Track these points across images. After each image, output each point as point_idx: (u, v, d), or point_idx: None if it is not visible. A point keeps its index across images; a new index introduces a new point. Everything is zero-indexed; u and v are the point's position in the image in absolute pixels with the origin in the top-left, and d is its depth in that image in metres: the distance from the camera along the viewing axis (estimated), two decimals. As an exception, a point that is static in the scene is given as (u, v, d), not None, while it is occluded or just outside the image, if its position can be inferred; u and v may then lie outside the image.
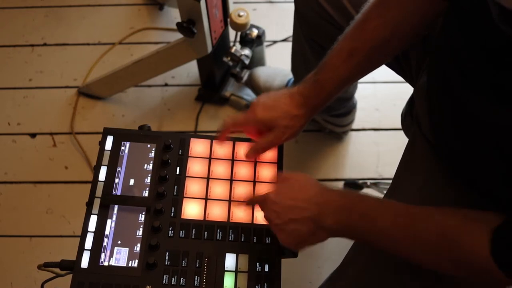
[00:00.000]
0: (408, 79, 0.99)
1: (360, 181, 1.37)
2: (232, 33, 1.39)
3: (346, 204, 0.72)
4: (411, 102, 0.94)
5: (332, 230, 0.72)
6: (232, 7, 1.31)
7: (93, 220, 0.80)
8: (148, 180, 0.84)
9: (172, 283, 0.76)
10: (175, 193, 0.83)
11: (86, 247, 0.78)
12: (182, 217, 0.81)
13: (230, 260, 0.78)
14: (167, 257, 0.78)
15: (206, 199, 0.83)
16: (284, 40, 1.62)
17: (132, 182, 0.83)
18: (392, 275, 0.76)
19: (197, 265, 0.77)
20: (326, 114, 1.36)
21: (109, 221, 0.80)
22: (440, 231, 0.65)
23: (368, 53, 0.80)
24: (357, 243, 0.83)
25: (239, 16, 1.27)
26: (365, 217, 0.70)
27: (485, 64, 0.60)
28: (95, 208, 0.81)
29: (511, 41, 0.53)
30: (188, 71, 1.57)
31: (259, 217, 0.82)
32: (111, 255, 0.78)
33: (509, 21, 0.50)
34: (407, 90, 0.98)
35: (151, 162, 0.85)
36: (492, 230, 0.60)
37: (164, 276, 0.77)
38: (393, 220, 0.69)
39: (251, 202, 0.81)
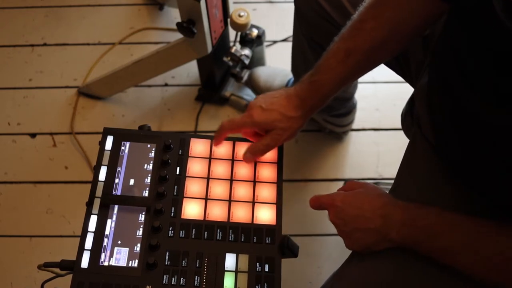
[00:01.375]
0: (408, 79, 0.99)
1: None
2: (232, 33, 1.39)
3: (408, 219, 0.73)
4: (411, 102, 0.94)
5: (396, 242, 0.74)
6: (232, 7, 1.31)
7: (93, 220, 0.80)
8: (148, 180, 0.84)
9: (172, 283, 0.76)
10: (175, 193, 0.83)
11: (86, 247, 0.78)
12: (182, 217, 0.81)
13: (230, 260, 0.78)
14: (167, 257, 0.78)
15: (206, 199, 0.83)
16: (284, 40, 1.62)
17: (132, 182, 0.83)
18: (398, 274, 0.76)
19: (197, 265, 0.77)
20: (326, 114, 1.36)
21: (109, 221, 0.80)
22: (503, 251, 0.66)
23: (365, 54, 0.80)
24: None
25: (240, 16, 1.27)
26: (426, 232, 0.71)
27: (487, 65, 0.60)
28: (95, 208, 0.81)
29: None
30: (188, 71, 1.57)
31: (259, 217, 0.82)
32: (111, 255, 0.78)
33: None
34: (407, 90, 0.98)
35: (151, 162, 0.85)
36: None
37: (164, 276, 0.77)
38: (453, 237, 0.70)
39: (319, 202, 0.82)
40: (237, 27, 1.29)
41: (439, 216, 0.72)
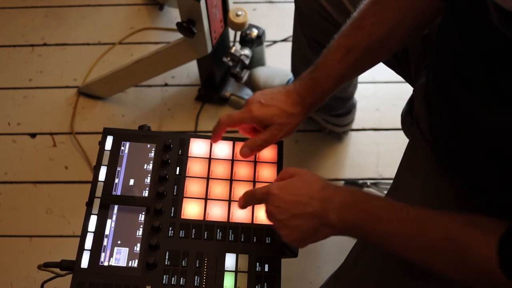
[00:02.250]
0: (408, 79, 0.99)
1: (360, 181, 1.37)
2: (232, 33, 1.39)
3: (351, 201, 0.70)
4: (411, 102, 0.94)
5: (336, 227, 0.71)
6: (232, 7, 1.31)
7: (93, 220, 0.80)
8: (148, 180, 0.84)
9: (172, 283, 0.76)
10: (175, 193, 0.83)
11: (86, 247, 0.78)
12: (182, 217, 0.81)
13: (230, 260, 0.78)
14: (167, 257, 0.78)
15: (206, 199, 0.83)
16: (284, 40, 1.62)
17: (132, 182, 0.83)
18: (397, 273, 0.76)
19: (197, 265, 0.77)
20: (326, 114, 1.36)
21: (109, 221, 0.80)
22: (447, 235, 0.64)
23: (365, 51, 0.80)
24: (365, 242, 0.83)
25: (237, 15, 1.27)
26: (369, 215, 0.69)
27: (483, 65, 0.60)
28: (95, 208, 0.81)
29: (509, 42, 0.53)
30: (188, 71, 1.57)
31: (259, 217, 0.82)
32: (111, 255, 0.78)
33: (508, 22, 0.50)
34: (407, 90, 0.98)
35: (151, 162, 0.85)
36: (498, 238, 0.59)
37: (164, 276, 0.77)
38: (398, 221, 0.68)
39: (252, 196, 0.78)
40: (235, 26, 1.28)
41: (383, 200, 0.70)
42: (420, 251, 0.66)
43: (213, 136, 0.86)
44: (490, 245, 0.59)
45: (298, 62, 1.23)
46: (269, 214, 0.75)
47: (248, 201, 0.78)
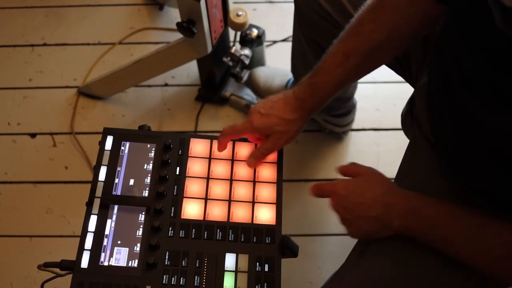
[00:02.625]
0: (409, 79, 0.99)
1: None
2: (232, 33, 1.39)
3: (413, 209, 0.73)
4: (411, 102, 0.94)
5: (397, 230, 0.74)
6: (232, 7, 1.31)
7: (93, 220, 0.80)
8: (148, 180, 0.84)
9: (172, 283, 0.76)
10: (175, 193, 0.83)
11: (86, 247, 0.78)
12: (182, 217, 0.81)
13: (230, 260, 0.78)
14: (167, 257, 0.78)
15: (206, 199, 0.83)
16: (284, 40, 1.62)
17: (132, 182, 0.83)
18: (398, 274, 0.76)
19: (197, 265, 0.77)
20: (326, 114, 1.36)
21: (109, 221, 0.80)
22: (504, 240, 0.66)
23: (364, 56, 0.80)
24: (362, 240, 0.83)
25: (238, 15, 1.27)
26: (429, 222, 0.72)
27: (484, 66, 0.60)
28: (95, 208, 0.81)
29: (510, 43, 0.53)
30: (188, 71, 1.57)
31: (259, 217, 0.82)
32: (111, 255, 0.78)
33: (510, 21, 0.50)
34: (407, 90, 0.98)
35: (151, 162, 0.85)
36: None
37: (164, 276, 0.77)
38: (455, 228, 0.70)
39: (321, 189, 0.82)
40: (235, 26, 1.28)
41: (442, 206, 0.72)
42: (479, 257, 0.69)
43: (218, 147, 0.87)
44: None
45: (298, 63, 1.23)
46: (335, 211, 0.80)
47: (317, 193, 0.83)
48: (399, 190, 0.76)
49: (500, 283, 0.73)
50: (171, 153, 0.86)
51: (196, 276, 0.77)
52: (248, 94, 1.49)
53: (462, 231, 0.70)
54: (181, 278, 0.76)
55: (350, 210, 0.77)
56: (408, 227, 0.73)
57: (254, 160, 0.86)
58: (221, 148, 0.87)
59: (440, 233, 0.71)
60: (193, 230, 0.80)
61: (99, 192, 0.82)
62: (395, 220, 0.74)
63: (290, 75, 1.43)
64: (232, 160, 0.87)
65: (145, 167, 0.85)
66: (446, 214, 0.71)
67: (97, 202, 0.81)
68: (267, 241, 0.80)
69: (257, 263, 0.78)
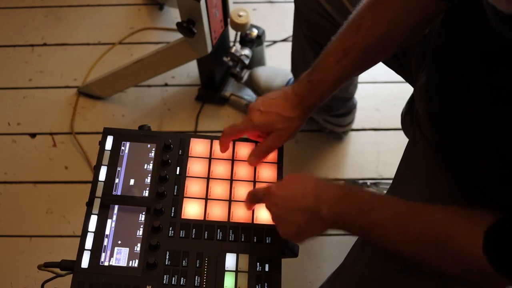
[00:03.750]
0: (408, 78, 0.99)
1: (360, 181, 1.37)
2: (232, 33, 1.39)
3: (342, 195, 0.73)
4: (411, 102, 0.94)
5: (328, 220, 0.73)
6: (232, 7, 1.31)
7: (93, 220, 0.80)
8: (148, 180, 0.84)
9: (173, 283, 0.76)
10: (175, 193, 0.83)
11: (86, 247, 0.78)
12: (182, 217, 0.81)
13: (230, 260, 0.78)
14: (167, 257, 0.78)
15: (206, 199, 0.83)
16: (284, 40, 1.62)
17: (132, 182, 0.83)
18: (397, 273, 0.76)
19: (197, 265, 0.77)
20: (326, 114, 1.36)
21: (109, 221, 0.80)
22: (435, 227, 0.66)
23: (363, 52, 0.80)
24: (361, 239, 0.83)
25: (239, 16, 1.27)
26: (359, 208, 0.71)
27: (482, 65, 0.60)
28: (95, 208, 0.81)
29: (507, 42, 0.53)
30: (188, 71, 1.57)
31: (260, 217, 0.82)
32: (111, 255, 0.78)
33: (503, 22, 0.50)
34: (407, 90, 0.98)
35: (151, 162, 0.85)
36: (486, 228, 0.60)
37: (164, 276, 0.77)
38: (387, 213, 0.70)
39: (254, 195, 0.81)
40: (237, 27, 1.29)
41: (374, 195, 0.72)
42: (406, 241, 0.68)
43: (220, 148, 0.87)
44: (476, 235, 0.61)
45: (298, 62, 1.23)
46: (268, 211, 0.78)
47: (251, 199, 0.81)
48: (331, 183, 0.76)
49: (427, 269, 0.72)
50: (171, 153, 0.86)
51: (196, 276, 0.77)
52: (248, 94, 1.49)
53: (390, 215, 0.69)
54: (182, 278, 0.76)
55: (281, 205, 0.75)
56: (338, 214, 0.72)
57: (255, 158, 0.86)
58: (224, 148, 0.87)
59: (369, 219, 0.70)
60: (194, 230, 0.80)
61: (99, 192, 0.82)
62: (324, 207, 0.72)
63: (290, 75, 1.43)
64: (232, 160, 0.87)
65: (145, 167, 0.85)
66: (376, 200, 0.71)
67: (97, 202, 0.81)
68: (267, 241, 0.80)
69: (258, 263, 0.78)
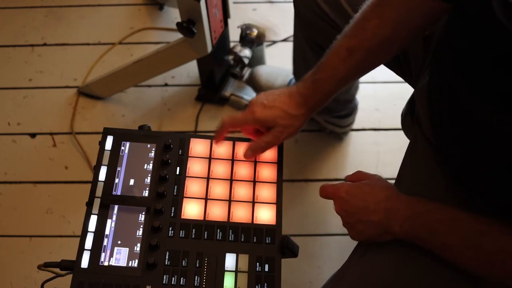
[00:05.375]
0: (408, 79, 0.99)
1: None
2: (232, 33, 1.39)
3: (411, 215, 0.73)
4: (411, 102, 0.94)
5: (398, 236, 0.75)
6: (232, 7, 1.31)
7: (93, 220, 0.80)
8: (148, 180, 0.84)
9: (172, 283, 0.76)
10: (175, 193, 0.83)
11: (86, 247, 0.78)
12: (182, 217, 0.81)
13: (230, 260, 0.78)
14: (167, 257, 0.78)
15: (206, 199, 0.83)
16: (284, 40, 1.62)
17: (132, 182, 0.83)
18: (399, 274, 0.76)
19: (197, 265, 0.77)
20: (327, 115, 1.36)
21: (109, 221, 0.80)
22: (502, 247, 0.66)
23: (367, 52, 0.80)
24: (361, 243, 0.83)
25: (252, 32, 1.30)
26: (428, 229, 0.72)
27: (486, 66, 0.60)
28: (95, 208, 0.81)
29: (510, 42, 0.53)
30: (188, 71, 1.57)
31: (259, 217, 0.82)
32: (111, 255, 0.78)
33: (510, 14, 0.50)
34: (407, 90, 0.98)
35: (151, 162, 0.85)
36: None
37: (164, 276, 0.77)
38: (454, 234, 0.70)
39: (325, 191, 0.82)
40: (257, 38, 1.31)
41: (441, 212, 0.72)
42: (478, 263, 0.69)
43: (215, 137, 0.86)
44: None
45: (299, 64, 1.23)
46: (338, 214, 0.80)
47: (322, 194, 0.83)
48: (401, 196, 0.76)
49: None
50: (171, 153, 0.86)
51: (196, 276, 0.77)
52: (248, 94, 1.49)
53: (460, 238, 0.70)
54: (181, 278, 0.76)
55: (352, 214, 0.77)
56: (408, 233, 0.74)
57: (252, 153, 0.84)
58: (218, 139, 0.85)
59: (438, 240, 0.71)
60: (193, 230, 0.80)
61: (99, 192, 0.82)
62: (395, 226, 0.74)
63: (291, 75, 1.43)
64: (232, 160, 0.87)
65: (145, 167, 0.85)
66: (445, 221, 0.71)
67: (97, 202, 0.81)
68: (267, 241, 0.80)
69: (257, 263, 0.78)
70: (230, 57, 1.35)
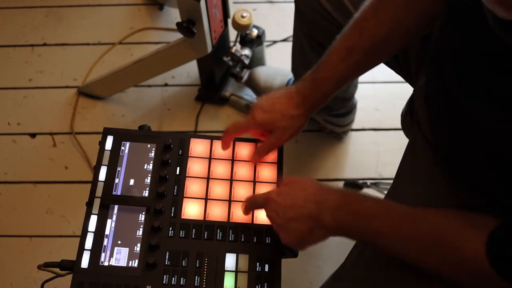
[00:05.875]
0: (408, 79, 0.99)
1: (360, 181, 1.37)
2: (232, 33, 1.39)
3: (344, 202, 0.72)
4: (411, 102, 0.94)
5: (330, 228, 0.73)
6: (232, 7, 1.31)
7: (93, 220, 0.80)
8: (148, 180, 0.84)
9: (172, 283, 0.76)
10: (175, 193, 0.83)
11: (86, 247, 0.78)
12: (182, 217, 0.81)
13: (230, 260, 0.78)
14: (167, 257, 0.78)
15: (206, 199, 0.83)
16: (284, 40, 1.62)
17: (132, 182, 0.83)
18: (398, 274, 0.76)
19: (197, 265, 0.77)
20: (326, 114, 1.36)
21: (109, 221, 0.80)
22: (436, 232, 0.65)
23: (367, 51, 0.80)
24: (360, 242, 0.83)
25: (242, 17, 1.27)
26: (361, 215, 0.71)
27: (482, 68, 0.61)
28: (95, 208, 0.81)
29: (507, 47, 0.53)
30: (188, 71, 1.57)
31: (259, 217, 0.82)
32: (111, 255, 0.78)
33: (503, 27, 0.50)
34: (407, 90, 0.98)
35: (151, 162, 0.85)
36: (488, 233, 0.60)
37: (164, 276, 0.77)
38: (388, 219, 0.69)
39: (253, 201, 0.80)
40: (240, 27, 1.28)
41: (375, 201, 0.72)
42: (409, 248, 0.68)
43: (222, 145, 0.87)
44: (478, 240, 0.60)
45: (298, 62, 1.23)
46: (269, 218, 0.78)
47: (249, 206, 0.81)
48: (331, 189, 0.75)
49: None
50: (171, 153, 0.86)
51: (196, 276, 0.77)
52: (248, 94, 1.49)
53: (392, 223, 0.69)
54: (181, 278, 0.76)
55: (282, 214, 0.75)
56: (339, 221, 0.72)
57: (257, 156, 0.86)
58: (225, 146, 0.87)
59: (372, 227, 0.70)
60: (193, 230, 0.80)
61: (99, 192, 0.82)
62: (326, 215, 0.72)
63: (290, 75, 1.43)
64: (232, 160, 0.87)
65: (145, 167, 0.85)
66: (379, 207, 0.71)
67: (97, 202, 0.81)
68: (267, 241, 0.80)
69: (257, 263, 0.78)
70: (228, 59, 1.35)
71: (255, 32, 1.36)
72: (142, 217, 0.81)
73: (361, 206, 0.71)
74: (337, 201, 0.72)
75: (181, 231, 0.80)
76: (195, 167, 0.86)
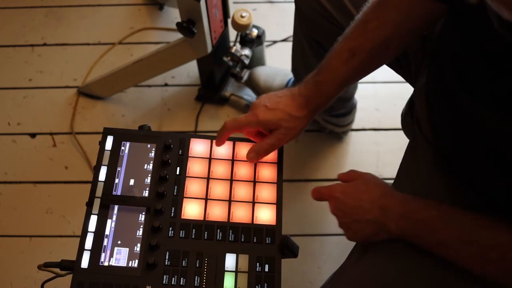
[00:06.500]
0: (408, 79, 0.99)
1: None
2: (232, 33, 1.39)
3: (408, 212, 0.73)
4: (411, 102, 0.94)
5: (394, 234, 0.75)
6: (232, 7, 1.31)
7: (93, 220, 0.80)
8: (148, 180, 0.84)
9: (172, 283, 0.76)
10: (175, 193, 0.83)
11: (86, 247, 0.78)
12: (182, 217, 0.81)
13: (230, 260, 0.78)
14: (167, 257, 0.78)
15: (206, 199, 0.83)
16: (284, 40, 1.62)
17: (132, 182, 0.83)
18: (398, 274, 0.76)
19: (197, 265, 0.77)
20: (326, 114, 1.36)
21: (109, 221, 0.80)
22: (497, 244, 0.66)
23: (369, 54, 0.80)
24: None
25: (242, 17, 1.27)
26: (426, 226, 0.72)
27: (482, 68, 0.61)
28: (95, 208, 0.81)
29: (507, 47, 0.53)
30: (188, 71, 1.57)
31: (259, 217, 0.82)
32: (111, 255, 0.78)
33: (507, 28, 0.50)
34: (407, 90, 0.98)
35: (151, 162, 0.85)
36: None
37: (164, 276, 0.77)
38: (451, 231, 0.70)
39: (318, 193, 0.82)
40: (239, 27, 1.28)
41: (438, 209, 0.72)
42: (473, 259, 0.68)
43: (217, 140, 0.86)
44: None
45: (298, 62, 1.23)
46: (334, 215, 0.80)
47: (315, 196, 0.83)
48: (395, 193, 0.76)
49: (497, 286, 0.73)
50: (171, 153, 0.86)
51: (196, 276, 0.77)
52: (248, 94, 1.49)
53: (456, 234, 0.69)
54: (181, 278, 0.76)
55: (348, 214, 0.77)
56: (404, 230, 0.73)
57: (255, 155, 0.84)
58: (220, 142, 0.85)
59: (434, 237, 0.71)
60: (193, 230, 0.80)
61: (99, 192, 0.82)
62: (391, 223, 0.74)
63: (290, 75, 1.43)
64: (232, 160, 0.87)
65: (145, 167, 0.85)
66: (440, 217, 0.71)
67: (97, 202, 0.81)
68: (267, 241, 0.80)
69: (257, 263, 0.78)
70: (228, 59, 1.35)
71: (255, 32, 1.36)
72: (142, 217, 0.81)
73: (423, 216, 0.72)
74: (401, 211, 0.74)
75: (181, 231, 0.80)
76: (195, 167, 0.86)
